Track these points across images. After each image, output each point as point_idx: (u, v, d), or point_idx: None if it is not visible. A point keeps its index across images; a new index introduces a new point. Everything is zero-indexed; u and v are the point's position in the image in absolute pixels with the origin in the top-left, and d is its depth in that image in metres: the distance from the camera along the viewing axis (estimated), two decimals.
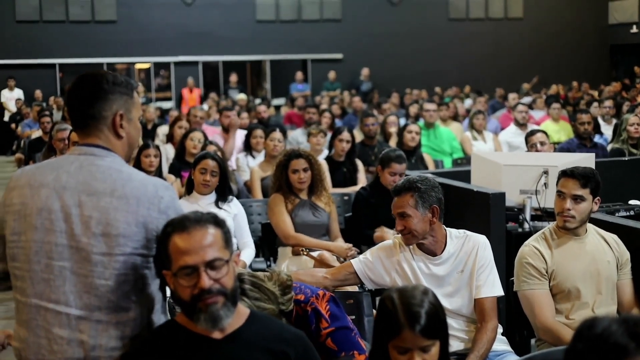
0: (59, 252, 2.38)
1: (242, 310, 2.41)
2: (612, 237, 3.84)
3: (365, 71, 19.72)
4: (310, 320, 3.03)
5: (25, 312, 2.41)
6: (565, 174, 3.74)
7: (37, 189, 2.43)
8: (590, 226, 3.83)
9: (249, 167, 7.64)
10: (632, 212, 5.29)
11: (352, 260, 3.86)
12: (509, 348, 3.68)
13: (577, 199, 3.69)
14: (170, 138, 8.72)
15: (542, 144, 6.46)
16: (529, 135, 6.71)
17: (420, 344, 2.37)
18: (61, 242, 2.38)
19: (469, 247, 3.63)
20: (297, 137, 9.76)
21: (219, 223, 2.32)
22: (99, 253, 2.36)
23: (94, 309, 2.38)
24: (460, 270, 3.61)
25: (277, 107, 17.50)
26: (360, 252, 4.93)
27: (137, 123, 2.56)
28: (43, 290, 2.39)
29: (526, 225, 5.09)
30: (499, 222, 4.88)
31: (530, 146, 6.57)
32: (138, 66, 20.85)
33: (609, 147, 7.98)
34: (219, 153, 6.21)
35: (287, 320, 2.89)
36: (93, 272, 2.36)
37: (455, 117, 12.23)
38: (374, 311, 3.56)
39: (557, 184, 3.79)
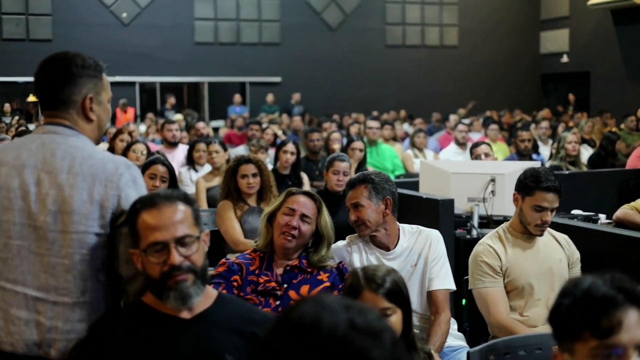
0: (17, 231, 2.33)
1: (211, 292, 2.38)
2: (563, 237, 3.92)
3: (296, 96, 19.75)
4: None
5: None
6: (548, 188, 3.68)
7: None
8: None
9: (192, 181, 7.59)
10: (576, 220, 5.40)
11: None
12: (464, 343, 3.70)
13: (555, 210, 3.75)
14: (110, 152, 8.61)
15: (486, 155, 6.58)
16: (474, 147, 6.82)
17: (380, 305, 2.38)
18: (19, 220, 2.33)
19: (422, 241, 3.66)
20: (240, 153, 9.71)
21: (188, 200, 2.29)
22: (55, 230, 2.31)
23: (51, 290, 2.32)
24: (413, 264, 3.63)
25: (215, 129, 17.36)
26: None
27: (106, 105, 2.53)
28: (1, 270, 2.34)
29: (474, 232, 5.16)
30: (448, 228, 4.93)
31: (475, 157, 6.67)
32: None
33: (547, 165, 8.14)
34: None
35: None
36: (50, 251, 2.31)
37: (395, 139, 12.37)
38: None
39: (527, 195, 3.72)
